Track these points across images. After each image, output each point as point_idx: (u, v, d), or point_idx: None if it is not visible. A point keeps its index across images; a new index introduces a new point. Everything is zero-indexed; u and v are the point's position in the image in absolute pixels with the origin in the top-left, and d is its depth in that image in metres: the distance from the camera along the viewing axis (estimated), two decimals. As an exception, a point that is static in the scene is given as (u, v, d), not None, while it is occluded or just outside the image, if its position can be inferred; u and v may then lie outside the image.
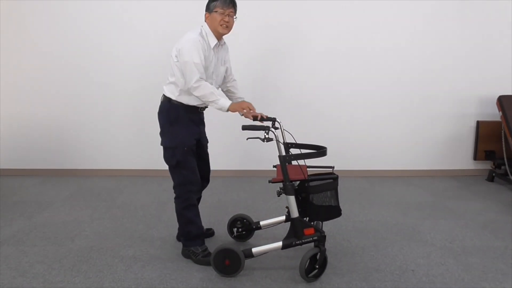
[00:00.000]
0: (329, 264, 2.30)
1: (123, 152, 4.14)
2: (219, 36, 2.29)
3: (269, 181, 2.15)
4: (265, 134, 2.09)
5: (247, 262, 2.27)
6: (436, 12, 3.95)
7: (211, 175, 2.59)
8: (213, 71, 2.29)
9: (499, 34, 4.00)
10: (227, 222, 2.66)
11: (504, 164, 3.89)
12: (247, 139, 2.21)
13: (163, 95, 2.35)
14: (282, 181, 2.13)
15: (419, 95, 4.10)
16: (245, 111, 2.18)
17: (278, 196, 2.19)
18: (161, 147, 2.35)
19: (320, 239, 2.14)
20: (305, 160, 2.09)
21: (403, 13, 3.94)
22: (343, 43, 3.97)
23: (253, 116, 2.17)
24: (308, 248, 2.17)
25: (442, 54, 4.03)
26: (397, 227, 2.88)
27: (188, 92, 2.21)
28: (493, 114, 4.06)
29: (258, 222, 2.55)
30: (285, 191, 2.13)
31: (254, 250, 2.16)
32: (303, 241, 2.15)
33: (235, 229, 2.59)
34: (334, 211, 2.17)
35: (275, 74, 4.01)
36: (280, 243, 2.16)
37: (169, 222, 2.91)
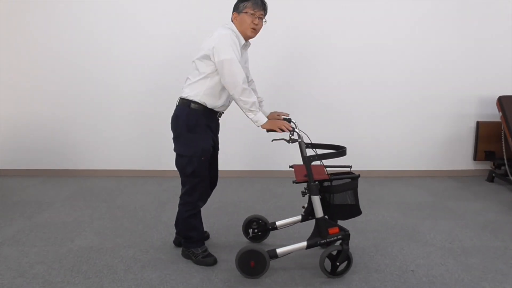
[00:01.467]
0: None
1: (123, 152, 4.14)
2: (246, 38, 2.25)
3: (293, 182, 2.15)
4: (290, 135, 2.16)
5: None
6: (436, 12, 3.95)
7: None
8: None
9: (499, 34, 4.00)
10: (242, 223, 2.64)
11: (504, 165, 3.89)
12: (272, 140, 2.30)
13: (181, 98, 2.24)
14: (306, 181, 2.14)
15: (419, 95, 4.10)
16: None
17: (303, 196, 2.21)
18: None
19: (344, 238, 2.15)
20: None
21: (402, 12, 3.94)
22: (341, 43, 3.97)
23: (287, 128, 2.14)
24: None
25: (442, 54, 4.03)
26: (397, 228, 2.88)
27: (213, 92, 2.16)
28: (493, 114, 4.06)
29: (274, 223, 2.53)
30: (310, 191, 2.13)
31: (278, 250, 2.15)
32: (327, 240, 2.15)
33: (250, 230, 2.57)
34: (354, 210, 2.19)
35: (273, 74, 4.01)
36: (304, 243, 2.16)
37: (169, 222, 2.91)
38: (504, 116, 3.79)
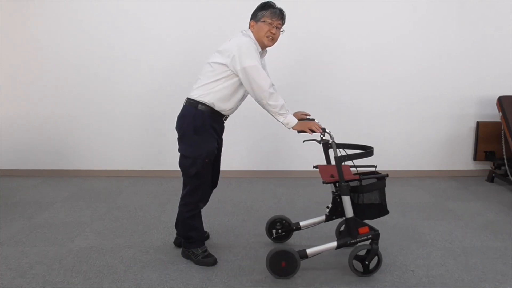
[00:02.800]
0: (329, 264, 2.31)
1: (123, 152, 4.14)
2: (263, 47, 2.26)
3: (323, 182, 2.16)
4: (321, 136, 2.27)
5: (245, 263, 2.28)
6: (435, 12, 3.95)
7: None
8: None
9: (499, 34, 4.00)
10: (265, 223, 2.63)
11: (504, 165, 3.89)
12: (303, 141, 2.39)
13: (188, 98, 2.24)
14: (333, 182, 2.16)
15: (419, 95, 4.10)
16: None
17: (333, 196, 2.28)
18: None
19: (374, 237, 2.16)
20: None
21: (402, 12, 3.94)
22: (341, 42, 3.97)
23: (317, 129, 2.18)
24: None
25: (442, 54, 4.03)
26: (397, 228, 2.88)
27: (224, 95, 2.17)
28: (493, 114, 4.06)
29: (298, 223, 2.53)
30: (340, 191, 2.14)
31: (308, 251, 2.15)
32: (357, 239, 2.16)
33: (274, 230, 2.57)
34: (382, 210, 2.21)
35: (280, 74, 4.00)
36: (334, 243, 2.16)
37: (169, 222, 2.91)
38: (504, 116, 3.79)
